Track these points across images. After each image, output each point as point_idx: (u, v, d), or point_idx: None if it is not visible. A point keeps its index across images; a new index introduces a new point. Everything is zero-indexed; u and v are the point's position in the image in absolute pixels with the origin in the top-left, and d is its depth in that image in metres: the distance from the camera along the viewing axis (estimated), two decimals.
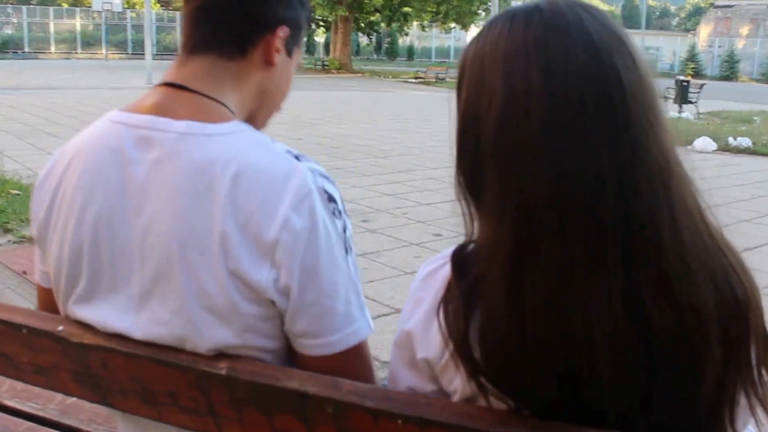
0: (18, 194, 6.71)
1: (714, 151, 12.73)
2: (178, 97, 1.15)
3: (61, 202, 1.16)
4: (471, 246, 0.95)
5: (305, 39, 1.38)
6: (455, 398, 0.96)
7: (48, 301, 1.26)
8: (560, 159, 0.84)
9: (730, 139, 13.34)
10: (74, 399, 1.71)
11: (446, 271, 0.95)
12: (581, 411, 0.87)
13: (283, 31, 1.21)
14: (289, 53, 1.25)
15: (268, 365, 1.01)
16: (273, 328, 1.10)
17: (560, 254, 0.83)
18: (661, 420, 0.87)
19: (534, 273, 0.84)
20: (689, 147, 12.84)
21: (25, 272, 4.76)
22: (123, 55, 44.56)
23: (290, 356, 1.13)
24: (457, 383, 0.94)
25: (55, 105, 15.66)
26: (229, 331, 1.06)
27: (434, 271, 0.99)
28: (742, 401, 0.91)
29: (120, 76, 26.80)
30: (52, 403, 1.74)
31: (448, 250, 0.97)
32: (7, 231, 5.68)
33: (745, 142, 13.19)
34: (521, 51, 0.87)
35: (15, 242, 5.48)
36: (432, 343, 0.95)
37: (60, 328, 1.11)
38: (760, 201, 8.56)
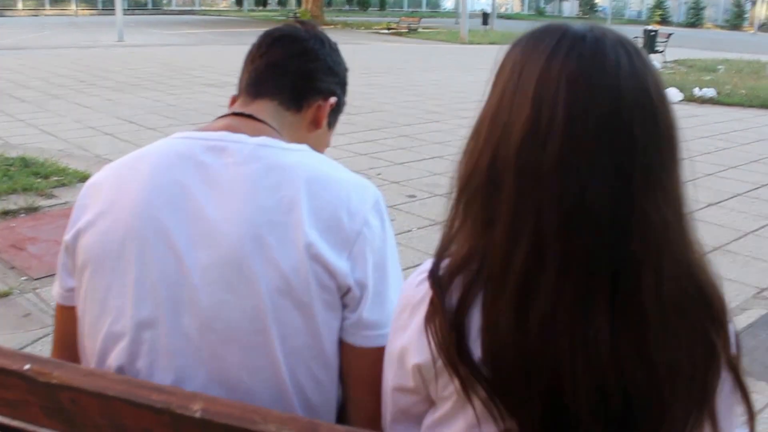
0: None
1: (680, 101, 12.82)
2: (248, 123, 1.31)
3: (118, 203, 1.20)
4: (446, 261, 1.00)
5: None
6: (448, 405, 1.01)
7: (66, 322, 1.29)
8: (568, 196, 0.90)
9: (696, 90, 13.46)
10: None
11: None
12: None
13: (332, 101, 1.44)
14: (329, 125, 1.48)
15: (244, 406, 0.99)
16: (333, 319, 1.18)
17: (557, 284, 0.90)
18: None
19: (538, 297, 0.90)
20: None
21: None
22: (93, 11, 43.67)
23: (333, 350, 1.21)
24: (452, 388, 0.99)
25: (23, 67, 15.30)
26: (298, 316, 1.15)
27: (420, 303, 1.02)
28: None
29: (90, 34, 26.29)
30: None
31: (422, 276, 1.02)
32: None
33: (709, 92, 13.32)
34: (554, 82, 0.92)
35: None
36: (425, 347, 0.99)
37: (26, 366, 1.07)
38: (725, 154, 8.64)
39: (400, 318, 1.06)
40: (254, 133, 1.25)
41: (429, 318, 0.98)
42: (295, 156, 1.22)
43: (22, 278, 4.28)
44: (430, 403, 1.06)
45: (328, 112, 1.43)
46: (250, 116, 1.32)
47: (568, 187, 0.90)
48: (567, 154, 0.90)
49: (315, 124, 1.42)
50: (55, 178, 6.24)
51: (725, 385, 0.96)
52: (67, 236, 1.25)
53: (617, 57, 0.92)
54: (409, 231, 5.21)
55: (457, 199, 1.01)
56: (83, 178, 6.32)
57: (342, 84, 1.49)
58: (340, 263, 1.15)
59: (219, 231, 1.15)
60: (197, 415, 0.98)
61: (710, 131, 10.06)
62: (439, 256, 1.02)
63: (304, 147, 1.26)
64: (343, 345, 1.21)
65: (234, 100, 1.43)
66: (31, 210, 5.50)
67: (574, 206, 0.89)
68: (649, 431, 0.92)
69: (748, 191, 6.84)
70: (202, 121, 9.43)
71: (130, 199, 1.19)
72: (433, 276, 1.00)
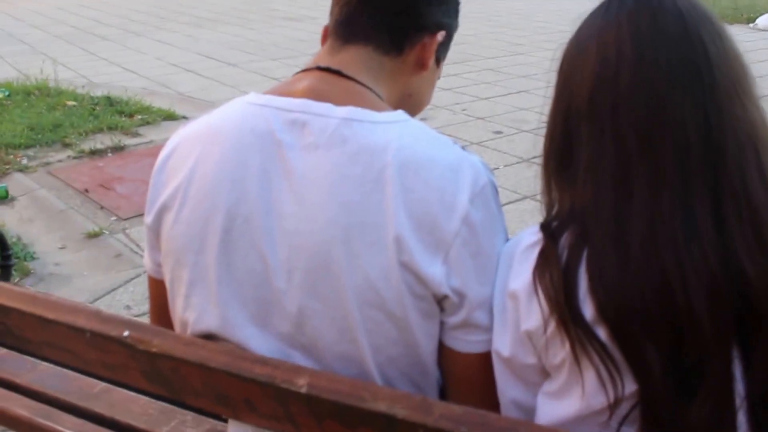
0: (74, 105, 6.64)
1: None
2: (335, 83, 1.10)
3: (193, 188, 1.08)
4: (554, 221, 0.99)
5: None
6: (563, 372, 0.96)
7: (160, 295, 1.19)
8: (648, 116, 0.91)
9: None
10: None
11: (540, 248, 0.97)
12: (682, 378, 0.88)
13: (441, 36, 1.17)
14: (438, 61, 1.22)
15: (351, 381, 0.93)
16: (431, 326, 1.05)
17: (652, 202, 0.90)
18: (760, 385, 0.88)
19: (632, 219, 0.90)
20: (752, 25, 12.21)
21: (87, 190, 4.77)
22: None
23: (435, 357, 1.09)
24: (564, 354, 0.95)
25: (103, 4, 15.40)
26: (392, 328, 1.02)
27: (533, 246, 0.99)
28: None
29: None
30: None
31: (534, 228, 1.00)
32: (66, 146, 5.63)
33: None
34: (614, 24, 0.95)
35: (75, 158, 5.44)
36: (534, 315, 0.96)
37: (125, 333, 1.04)
38: None
39: (508, 266, 1.01)
40: (342, 99, 1.06)
41: (540, 269, 0.95)
42: (386, 133, 1.03)
43: (112, 218, 4.36)
44: (545, 374, 1.01)
45: (435, 49, 1.18)
46: (337, 72, 1.11)
47: (648, 106, 0.91)
48: (641, 78, 0.92)
49: (420, 65, 1.17)
50: (140, 117, 6.31)
51: None
52: (148, 218, 1.15)
53: None
54: (496, 168, 5.03)
55: (545, 165, 1.03)
56: (167, 116, 6.39)
57: (451, 8, 1.21)
58: (433, 269, 1.00)
59: (300, 231, 1.02)
60: (303, 390, 0.93)
61: None
62: (545, 221, 1.00)
63: (398, 116, 1.07)
64: (444, 348, 1.08)
65: (326, 33, 1.20)
66: (117, 149, 5.58)
67: (656, 124, 0.91)
68: None
69: None
70: (282, 57, 9.38)
71: (209, 187, 1.07)
72: (545, 227, 0.98)
